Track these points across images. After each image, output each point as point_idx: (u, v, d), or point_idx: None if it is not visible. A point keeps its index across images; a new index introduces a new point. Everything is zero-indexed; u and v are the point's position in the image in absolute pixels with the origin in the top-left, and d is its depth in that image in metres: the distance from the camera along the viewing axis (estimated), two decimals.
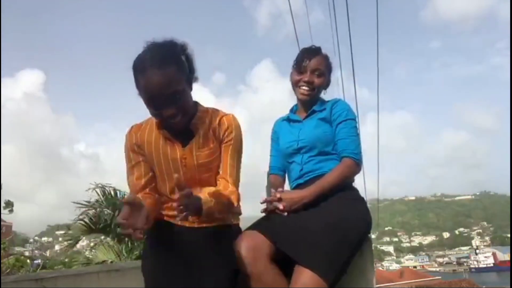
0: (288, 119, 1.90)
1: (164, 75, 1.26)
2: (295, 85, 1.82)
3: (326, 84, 1.85)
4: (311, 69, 1.77)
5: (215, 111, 1.50)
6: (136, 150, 1.48)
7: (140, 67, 1.29)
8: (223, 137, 1.47)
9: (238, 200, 1.45)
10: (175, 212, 1.43)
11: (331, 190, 1.59)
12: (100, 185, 5.51)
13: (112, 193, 5.51)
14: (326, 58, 1.84)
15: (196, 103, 1.47)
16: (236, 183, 1.48)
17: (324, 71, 1.81)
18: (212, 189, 1.36)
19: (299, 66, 1.80)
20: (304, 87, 1.79)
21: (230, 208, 1.41)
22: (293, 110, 1.94)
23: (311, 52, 1.82)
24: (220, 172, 1.47)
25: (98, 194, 5.45)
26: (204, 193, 1.31)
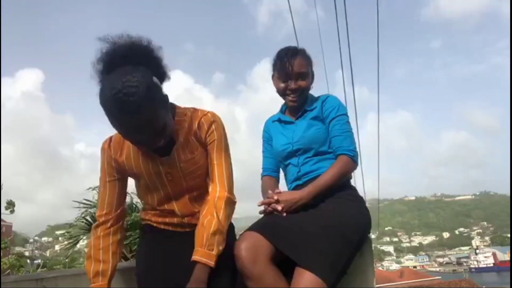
0: (279, 120, 1.86)
1: (146, 120, 1.12)
2: (282, 92, 1.76)
3: (311, 82, 1.79)
4: (295, 74, 1.70)
5: (194, 112, 1.40)
6: (113, 165, 1.38)
7: (112, 112, 1.11)
8: (205, 139, 1.38)
9: (230, 206, 1.37)
10: (164, 219, 1.45)
11: (328, 189, 1.58)
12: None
13: None
14: (304, 54, 1.76)
15: (173, 106, 1.37)
16: (228, 184, 1.38)
17: (308, 71, 1.74)
18: (205, 234, 1.26)
19: (282, 73, 1.72)
20: (292, 95, 1.73)
21: (226, 226, 1.34)
22: (282, 110, 1.89)
23: (291, 55, 1.71)
24: (211, 178, 1.39)
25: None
26: (202, 251, 1.24)
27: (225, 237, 1.31)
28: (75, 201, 5.38)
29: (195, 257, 1.24)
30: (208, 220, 1.29)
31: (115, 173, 1.39)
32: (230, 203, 1.37)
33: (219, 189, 1.35)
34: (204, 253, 1.25)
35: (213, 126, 1.38)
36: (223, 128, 1.41)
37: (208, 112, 1.40)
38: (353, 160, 1.64)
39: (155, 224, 1.47)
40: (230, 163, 1.42)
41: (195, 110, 1.41)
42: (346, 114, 1.72)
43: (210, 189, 1.38)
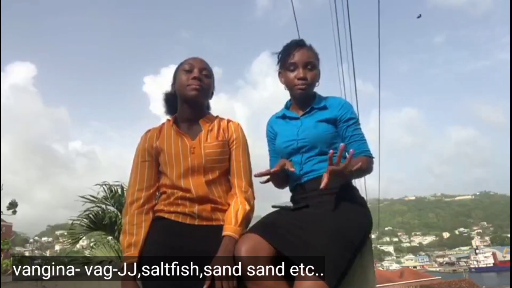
0: (283, 116, 1.85)
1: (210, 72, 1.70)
2: (290, 83, 1.76)
3: (318, 77, 1.80)
4: (303, 63, 1.73)
5: (222, 117, 1.73)
6: (147, 149, 1.65)
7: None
8: (230, 139, 1.65)
9: (253, 200, 1.62)
10: (176, 208, 1.54)
11: (360, 175, 1.71)
12: (107, 183, 5.48)
13: (119, 191, 5.47)
14: (312, 48, 1.79)
15: (209, 107, 1.76)
16: (250, 181, 1.64)
17: (315, 63, 1.77)
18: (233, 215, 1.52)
19: (289, 63, 1.75)
20: (300, 84, 1.73)
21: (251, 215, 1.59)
22: (287, 106, 1.88)
23: (298, 46, 1.75)
24: (235, 173, 1.62)
25: (105, 191, 5.43)
26: (229, 225, 1.48)
27: (249, 219, 1.55)
28: (80, 196, 5.36)
29: (224, 232, 1.46)
30: (236, 205, 1.54)
31: (147, 156, 1.65)
32: (252, 195, 1.63)
33: (244, 184, 1.61)
34: (231, 228, 1.47)
35: (240, 131, 1.68)
36: (245, 135, 1.70)
37: (235, 121, 1.73)
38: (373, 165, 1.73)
39: (166, 215, 1.55)
40: (250, 163, 1.68)
41: (222, 117, 1.74)
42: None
43: (234, 182, 1.61)
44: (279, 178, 1.66)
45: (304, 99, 1.79)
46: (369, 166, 1.69)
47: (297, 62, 1.73)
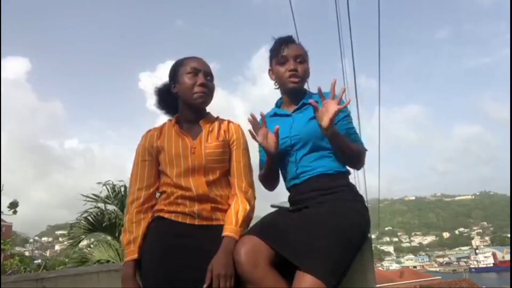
0: (275, 114, 1.84)
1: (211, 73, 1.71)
2: (282, 77, 1.78)
3: (308, 72, 1.81)
4: (293, 56, 1.76)
5: (223, 118, 1.74)
6: (147, 148, 1.66)
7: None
8: (231, 140, 1.66)
9: (254, 200, 1.62)
10: (176, 208, 1.54)
11: (345, 150, 1.63)
12: (110, 182, 5.44)
13: (122, 190, 5.42)
14: (301, 45, 1.82)
15: (208, 112, 1.74)
16: (251, 181, 1.65)
17: (305, 58, 1.79)
18: (233, 215, 1.52)
19: (279, 57, 1.77)
20: (292, 76, 1.75)
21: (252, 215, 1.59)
22: (278, 104, 1.89)
23: (287, 41, 1.79)
24: (235, 174, 1.62)
25: (108, 191, 5.38)
26: (230, 224, 1.48)
27: (250, 220, 1.56)
28: (82, 195, 5.30)
29: (224, 233, 1.47)
30: (236, 205, 1.55)
31: (148, 155, 1.66)
32: (253, 196, 1.64)
33: (244, 184, 1.61)
34: (232, 229, 1.47)
35: (240, 132, 1.69)
36: (245, 136, 1.70)
37: (235, 122, 1.74)
38: (364, 157, 1.72)
39: (166, 215, 1.55)
40: (251, 164, 1.70)
41: (223, 118, 1.75)
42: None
43: (235, 183, 1.62)
44: (274, 163, 1.70)
45: (295, 93, 1.79)
46: (361, 154, 1.69)
47: (288, 55, 1.76)
